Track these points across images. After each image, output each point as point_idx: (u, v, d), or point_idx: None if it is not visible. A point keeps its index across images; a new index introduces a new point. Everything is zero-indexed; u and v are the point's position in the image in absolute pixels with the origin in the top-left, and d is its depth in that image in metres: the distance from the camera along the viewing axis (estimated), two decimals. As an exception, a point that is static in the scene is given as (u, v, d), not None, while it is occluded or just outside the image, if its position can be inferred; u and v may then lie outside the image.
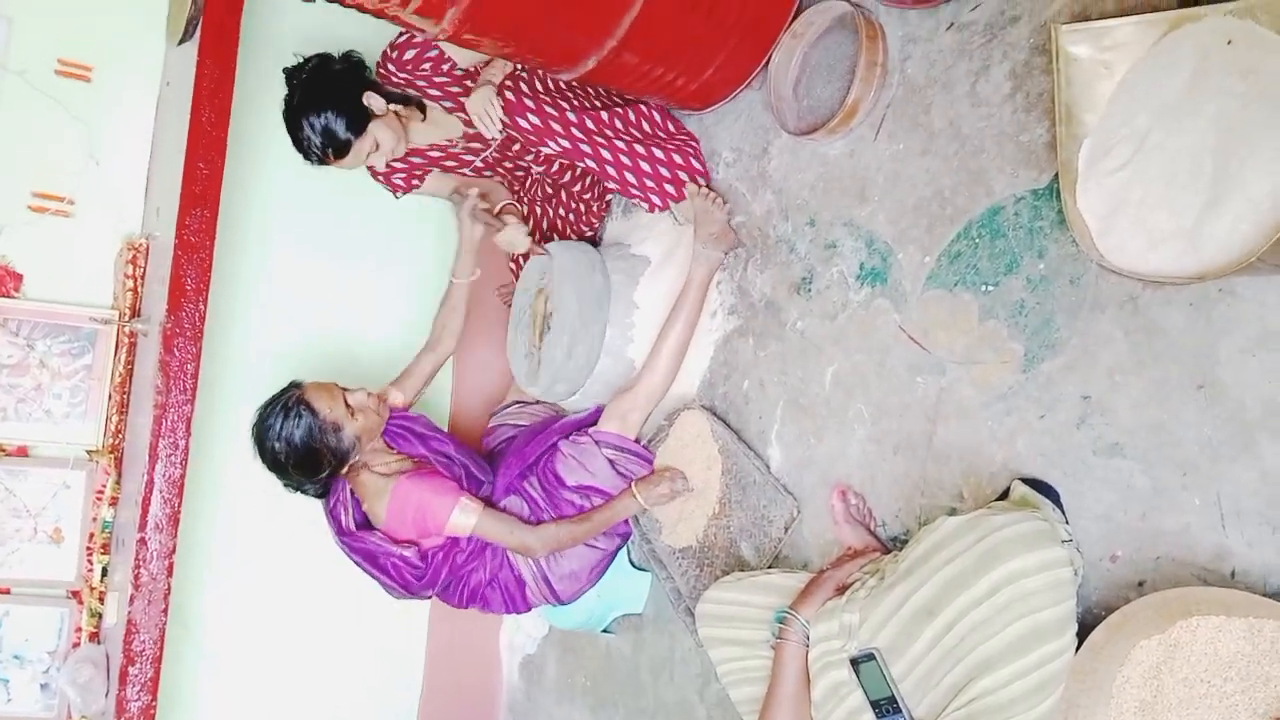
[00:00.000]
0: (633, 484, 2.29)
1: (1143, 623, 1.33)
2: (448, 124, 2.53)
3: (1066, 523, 1.52)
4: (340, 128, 2.31)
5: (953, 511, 1.68)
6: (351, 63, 2.38)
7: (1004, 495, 1.62)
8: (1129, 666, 1.31)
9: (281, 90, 2.36)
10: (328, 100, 2.31)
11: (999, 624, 1.37)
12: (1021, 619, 1.36)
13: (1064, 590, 1.37)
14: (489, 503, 2.33)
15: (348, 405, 2.23)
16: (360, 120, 2.33)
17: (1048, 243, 1.62)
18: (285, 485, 2.27)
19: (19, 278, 2.54)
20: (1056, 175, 1.56)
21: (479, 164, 2.64)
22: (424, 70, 2.43)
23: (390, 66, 2.44)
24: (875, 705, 1.51)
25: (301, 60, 2.35)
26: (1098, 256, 1.46)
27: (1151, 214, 1.39)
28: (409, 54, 2.42)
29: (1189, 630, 1.28)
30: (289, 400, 2.19)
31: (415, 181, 2.65)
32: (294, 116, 2.33)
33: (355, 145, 2.33)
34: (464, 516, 2.24)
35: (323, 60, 2.36)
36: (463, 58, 2.42)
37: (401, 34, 2.40)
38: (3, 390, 2.52)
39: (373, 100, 2.35)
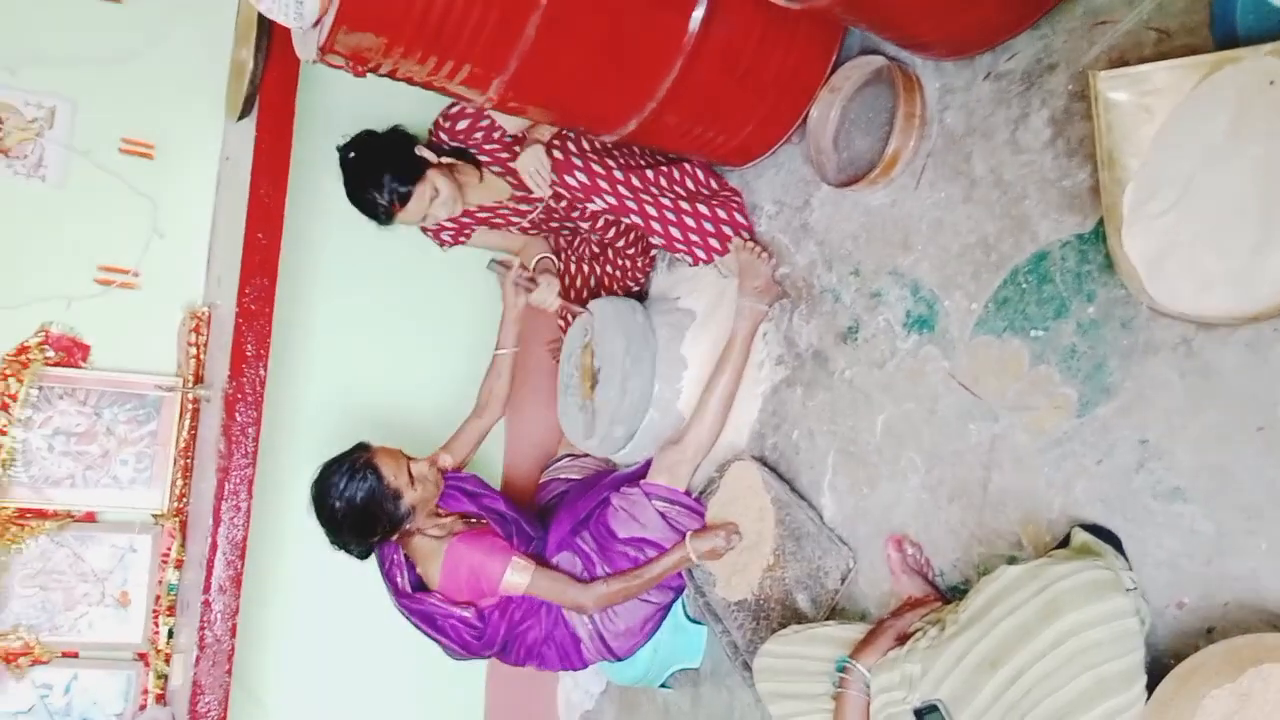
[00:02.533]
0: (686, 537, 2.30)
1: (1212, 672, 1.30)
2: (497, 185, 2.60)
3: (1130, 570, 1.49)
4: (399, 179, 2.38)
5: (1012, 560, 1.67)
6: (396, 130, 2.47)
7: (1064, 542, 1.60)
8: (1200, 717, 1.28)
9: (335, 162, 2.44)
10: (383, 161, 2.40)
11: (1064, 677, 1.35)
12: (1087, 671, 1.34)
13: (1130, 641, 1.35)
14: (541, 560, 2.35)
15: (410, 474, 2.27)
16: (416, 169, 2.40)
17: (1096, 287, 1.61)
18: (332, 542, 2.31)
19: (86, 348, 2.63)
20: (1101, 220, 1.56)
21: (525, 224, 2.70)
22: (476, 139, 2.51)
23: (443, 135, 2.52)
24: (940, 757, 1.49)
25: (348, 140, 2.45)
26: (1148, 300, 1.46)
27: (1201, 256, 1.38)
28: (461, 124, 2.50)
29: (1260, 678, 1.25)
30: (357, 461, 2.23)
31: (462, 238, 2.72)
32: (356, 186, 2.42)
33: (416, 191, 2.39)
34: (517, 576, 2.26)
35: (369, 133, 2.45)
36: (512, 124, 2.49)
37: (453, 104, 2.49)
38: (71, 458, 2.60)
39: (424, 151, 2.43)
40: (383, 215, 2.42)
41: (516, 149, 2.49)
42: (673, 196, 2.34)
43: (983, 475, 1.77)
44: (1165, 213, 1.43)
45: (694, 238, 2.35)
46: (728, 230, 2.36)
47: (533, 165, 2.36)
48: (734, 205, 2.40)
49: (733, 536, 2.26)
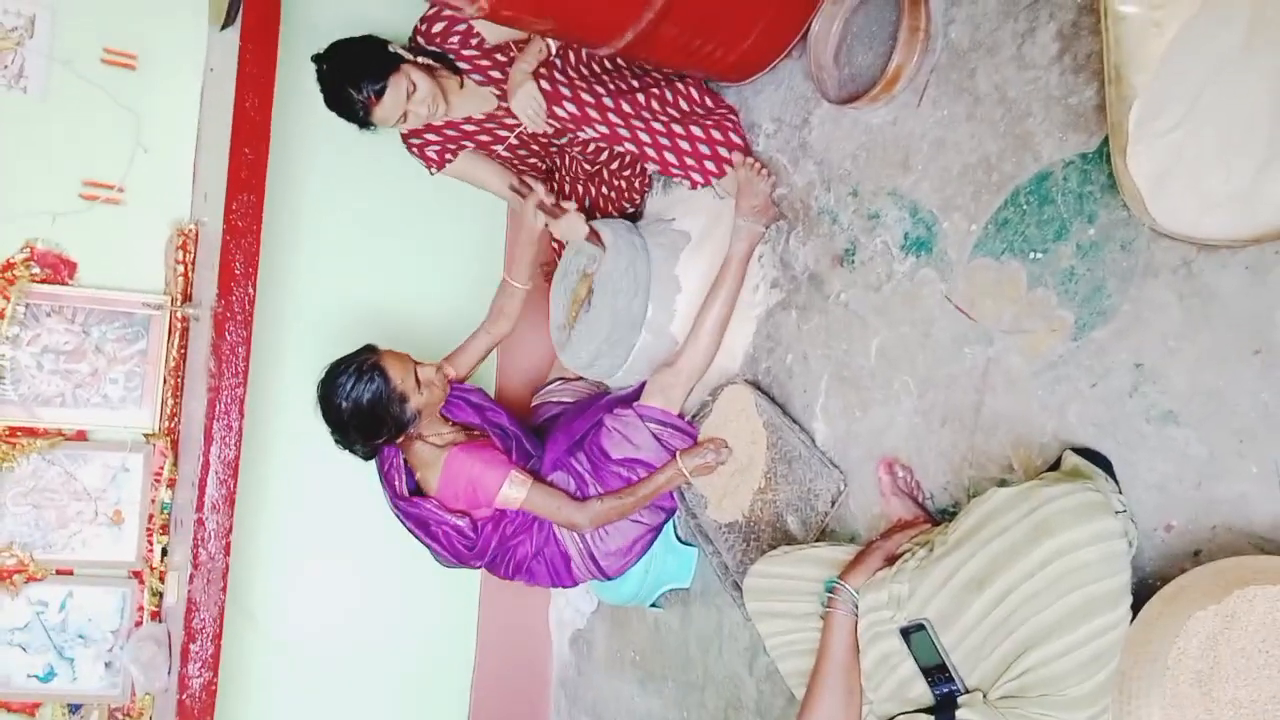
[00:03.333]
0: (677, 455, 2.30)
1: (1198, 593, 1.31)
2: (480, 96, 2.54)
3: (1120, 493, 1.49)
4: (374, 73, 2.34)
5: (1003, 483, 1.67)
6: (369, 36, 2.42)
7: (1055, 466, 1.60)
8: (1185, 638, 1.29)
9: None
10: (356, 60, 2.36)
11: (1051, 596, 1.35)
12: (1074, 591, 1.34)
13: (1117, 562, 1.36)
14: (538, 477, 2.36)
15: (417, 378, 2.27)
16: (390, 61, 2.36)
17: (1098, 208, 1.58)
18: (337, 442, 2.31)
19: (73, 265, 2.60)
20: (1106, 138, 1.52)
21: (513, 140, 2.64)
22: (453, 43, 2.45)
23: (420, 40, 2.46)
24: (927, 673, 1.50)
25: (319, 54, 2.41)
26: (1150, 221, 1.43)
27: (1205, 176, 1.35)
28: (438, 26, 2.44)
29: (1246, 600, 1.25)
30: (364, 363, 2.23)
31: (449, 155, 2.65)
32: (332, 88, 2.38)
33: (391, 82, 2.34)
34: (514, 490, 2.28)
35: (339, 40, 2.41)
36: (491, 34, 2.42)
37: (431, 7, 2.41)
38: (61, 376, 2.58)
39: (398, 49, 2.38)
40: (360, 112, 2.38)
41: (498, 57, 2.43)
42: (665, 120, 2.29)
43: (975, 399, 1.76)
44: (1171, 131, 1.39)
45: (690, 161, 2.30)
46: (724, 152, 2.32)
47: (529, 105, 2.29)
48: (729, 125, 2.35)
49: (722, 451, 2.26)
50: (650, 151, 2.27)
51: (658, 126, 2.27)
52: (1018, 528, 1.40)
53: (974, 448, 1.76)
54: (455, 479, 2.29)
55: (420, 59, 2.42)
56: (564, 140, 2.56)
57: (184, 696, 2.28)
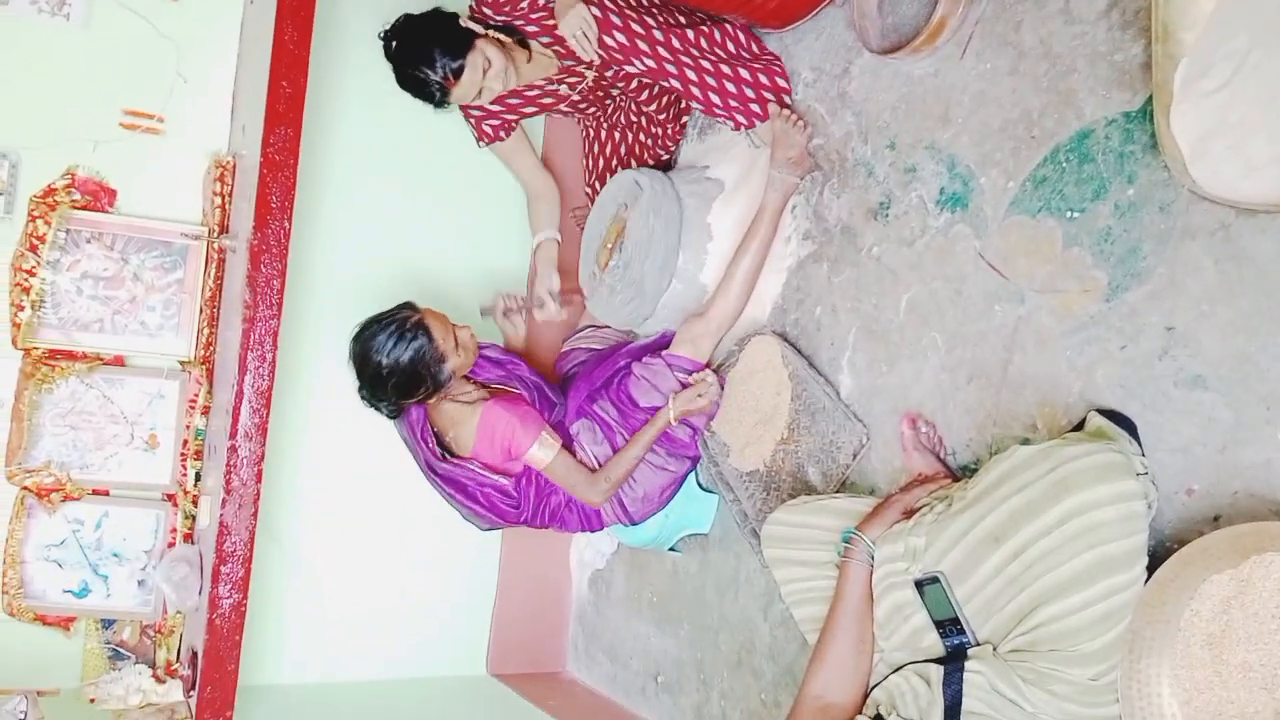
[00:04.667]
0: (669, 398, 2.33)
1: (1215, 557, 1.31)
2: (543, 63, 2.52)
3: (1142, 455, 1.49)
4: (450, 52, 2.31)
5: (1026, 441, 1.67)
6: (436, 10, 2.39)
7: (1079, 426, 1.60)
8: (1199, 600, 1.30)
9: (364, 7, 2.36)
10: (429, 37, 2.32)
11: (1067, 554, 1.36)
12: (1091, 550, 1.35)
13: (1135, 523, 1.36)
14: (561, 429, 2.38)
15: (455, 339, 2.28)
16: (465, 40, 2.33)
17: (1138, 168, 1.56)
18: (363, 397, 2.34)
19: (113, 193, 2.63)
20: (1150, 97, 1.50)
21: (575, 97, 2.62)
22: (522, 9, 2.41)
23: (486, 10, 2.43)
24: (940, 625, 1.52)
25: (389, 27, 2.38)
26: (1189, 183, 1.41)
27: (1249, 139, 1.33)
28: None
29: (1262, 566, 1.26)
30: (407, 321, 2.24)
31: (503, 134, 2.65)
32: (405, 67, 2.36)
33: (469, 61, 2.32)
34: (542, 451, 2.31)
35: (408, 16, 2.37)
36: None
37: None
38: (99, 302, 2.63)
39: (470, 23, 2.35)
40: (437, 93, 2.36)
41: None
42: (713, 59, 2.26)
43: (1004, 357, 1.76)
44: (1217, 91, 1.36)
45: (734, 103, 2.28)
46: (768, 96, 2.29)
47: (579, 26, 2.26)
48: (775, 70, 2.33)
49: (712, 388, 2.29)
50: (695, 90, 2.25)
51: (705, 65, 2.24)
52: (1038, 485, 1.41)
53: (999, 406, 1.76)
54: (492, 433, 2.32)
55: (490, 32, 2.38)
56: (612, 77, 2.53)
57: (214, 616, 2.35)
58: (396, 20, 2.38)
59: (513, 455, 2.34)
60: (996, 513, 1.46)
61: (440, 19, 2.36)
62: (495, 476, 2.37)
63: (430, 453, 2.39)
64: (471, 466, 2.37)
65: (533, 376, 2.49)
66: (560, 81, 2.56)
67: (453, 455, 2.41)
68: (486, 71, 2.35)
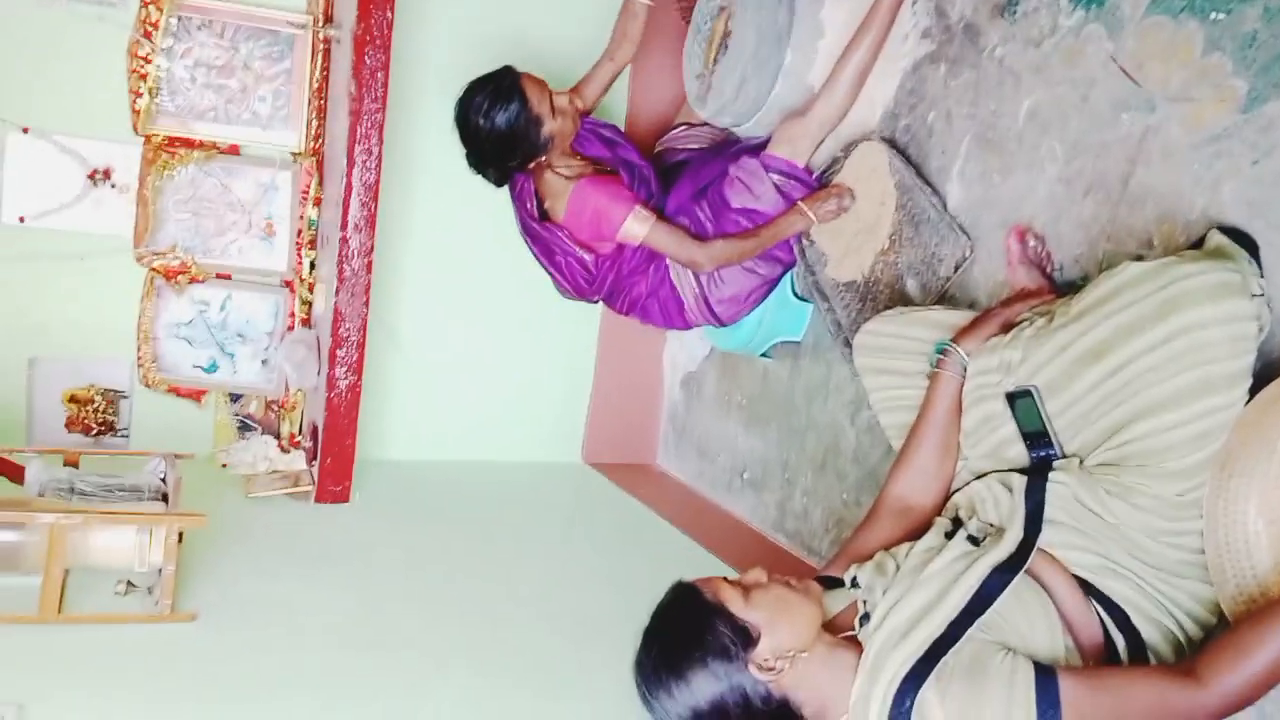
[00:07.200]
0: (799, 200, 2.29)
1: (1324, 383, 1.28)
2: None
3: (1261, 276, 1.43)
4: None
5: (1139, 258, 1.61)
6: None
7: (1198, 244, 1.53)
8: (1300, 424, 1.28)
9: None
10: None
11: (1169, 372, 1.33)
12: (1194, 369, 1.31)
13: (1244, 344, 1.32)
14: (661, 215, 2.39)
15: (552, 104, 2.29)
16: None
17: (1301, -36, 1.42)
18: (470, 164, 2.38)
19: (221, -23, 2.63)
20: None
21: None
22: None
23: None
24: (1027, 437, 1.53)
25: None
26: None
27: None
28: None
29: (1373, 392, 1.23)
30: (503, 82, 2.27)
31: None
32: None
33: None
34: (637, 224, 2.32)
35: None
36: None
37: None
38: (213, 91, 2.69)
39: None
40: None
41: None
42: None
43: (1126, 169, 1.68)
44: None
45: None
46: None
47: None
48: None
49: (846, 198, 2.25)
50: None
51: None
52: (1147, 302, 1.36)
53: (1115, 220, 1.70)
54: (582, 210, 2.35)
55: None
56: None
57: (331, 395, 2.52)
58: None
59: (604, 234, 2.38)
60: (1099, 328, 1.41)
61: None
62: (577, 248, 2.43)
63: (528, 213, 2.46)
64: (561, 235, 2.42)
65: (642, 163, 2.48)
66: None
67: (548, 220, 2.46)
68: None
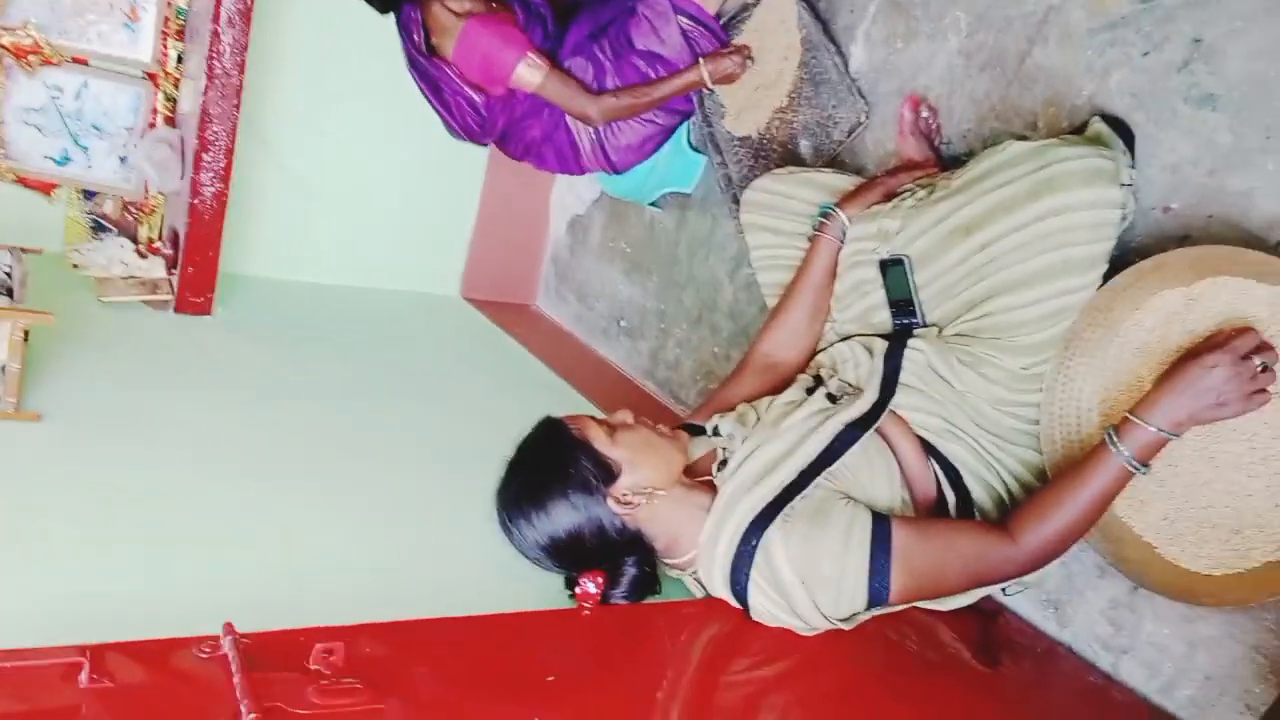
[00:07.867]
0: (700, 58, 2.24)
1: (1171, 274, 1.35)
2: None
3: (1133, 167, 1.49)
4: None
5: (1022, 138, 1.65)
6: None
7: (1079, 130, 1.57)
8: (1144, 311, 1.35)
9: None
10: None
11: (1033, 250, 1.38)
12: (1057, 250, 1.37)
13: (1105, 230, 1.37)
14: (554, 63, 2.29)
15: None
16: None
17: None
18: None
19: None
20: None
21: None
22: None
23: None
24: (893, 305, 1.58)
25: None
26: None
27: None
28: None
29: (1214, 286, 1.30)
30: None
31: None
32: None
33: None
34: (530, 73, 2.23)
35: None
36: None
37: None
38: None
39: None
40: None
41: None
42: None
43: (1024, 48, 1.69)
44: None
45: None
46: None
47: None
48: None
49: (746, 61, 2.20)
50: None
51: None
52: (1021, 182, 1.40)
53: (1006, 99, 1.72)
54: (471, 52, 2.23)
55: None
56: None
57: (195, 201, 2.38)
58: None
59: (495, 78, 2.27)
60: (974, 205, 1.45)
61: None
62: (467, 88, 2.33)
63: (414, 46, 2.33)
64: (450, 72, 2.32)
65: (539, 3, 2.36)
66: None
67: (436, 55, 2.34)
68: None
